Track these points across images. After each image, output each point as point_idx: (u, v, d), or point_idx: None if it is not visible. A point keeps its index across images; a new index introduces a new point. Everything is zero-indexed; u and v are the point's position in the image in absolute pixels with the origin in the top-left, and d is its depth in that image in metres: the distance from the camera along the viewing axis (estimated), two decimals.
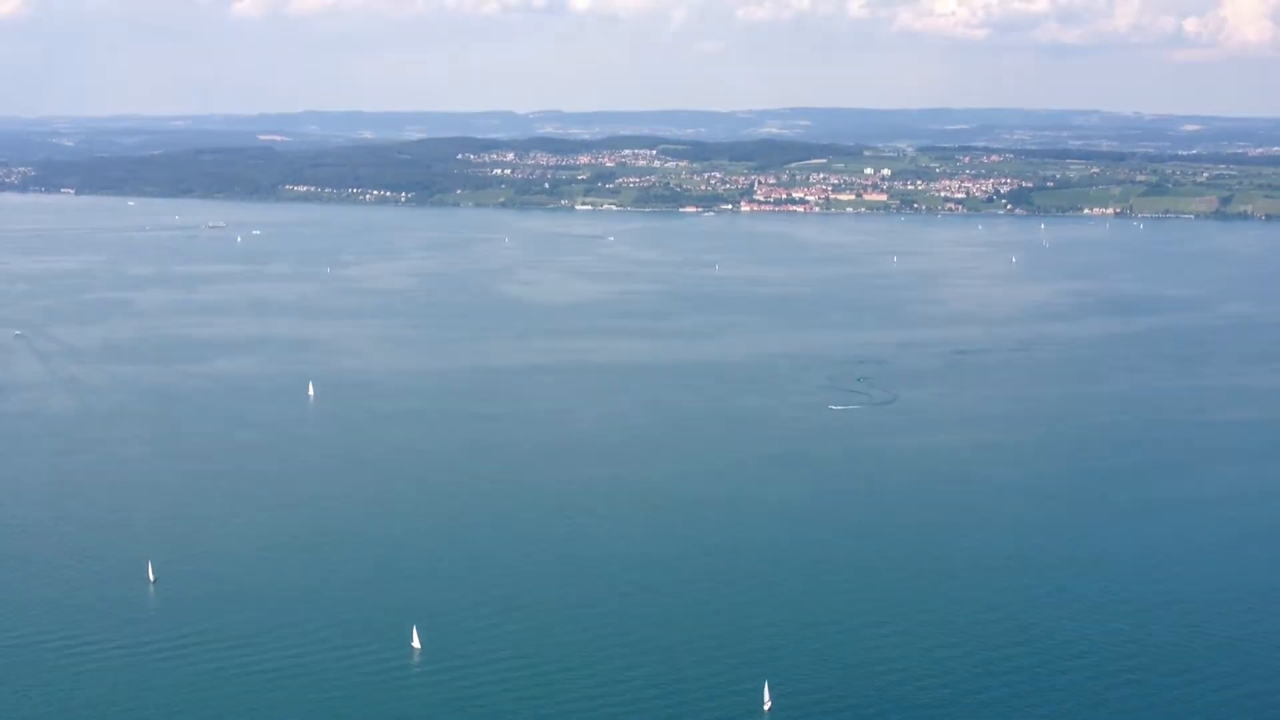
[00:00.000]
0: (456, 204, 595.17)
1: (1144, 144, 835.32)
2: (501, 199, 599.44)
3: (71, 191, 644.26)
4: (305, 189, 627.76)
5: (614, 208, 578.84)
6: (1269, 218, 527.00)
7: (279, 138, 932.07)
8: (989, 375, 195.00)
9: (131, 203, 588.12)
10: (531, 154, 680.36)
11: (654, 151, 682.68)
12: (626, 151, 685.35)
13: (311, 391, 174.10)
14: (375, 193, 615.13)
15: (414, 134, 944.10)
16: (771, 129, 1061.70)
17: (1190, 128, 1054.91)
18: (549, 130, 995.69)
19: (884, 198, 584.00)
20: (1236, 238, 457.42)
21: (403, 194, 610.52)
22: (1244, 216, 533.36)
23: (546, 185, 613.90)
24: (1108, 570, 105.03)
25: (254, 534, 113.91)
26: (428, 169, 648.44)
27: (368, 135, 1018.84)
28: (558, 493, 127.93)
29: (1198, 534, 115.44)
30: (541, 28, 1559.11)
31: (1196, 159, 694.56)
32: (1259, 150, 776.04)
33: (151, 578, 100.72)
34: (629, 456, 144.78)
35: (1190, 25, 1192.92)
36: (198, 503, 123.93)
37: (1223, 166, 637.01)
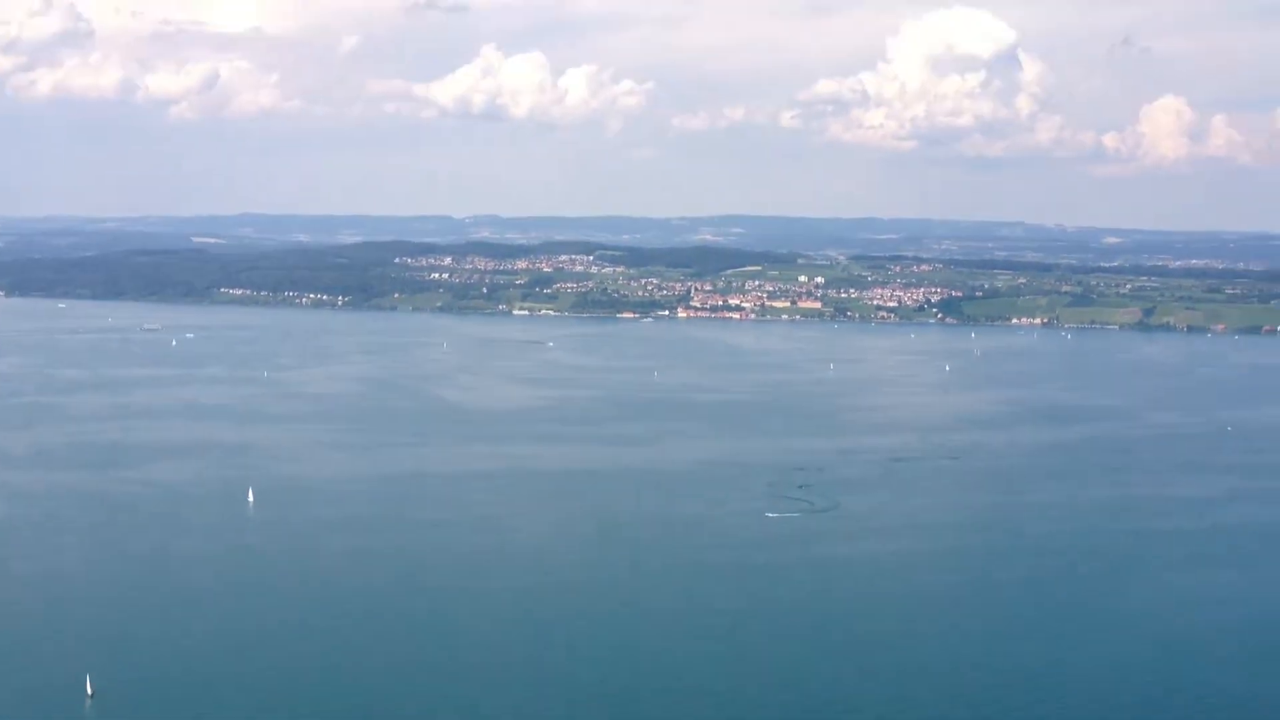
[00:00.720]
0: (394, 308, 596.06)
1: (1067, 255, 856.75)
2: (439, 303, 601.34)
3: (0, 294, 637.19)
4: (241, 292, 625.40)
5: (552, 312, 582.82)
6: (1191, 329, 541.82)
7: (213, 240, 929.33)
8: (926, 483, 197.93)
9: (62, 304, 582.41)
10: (469, 258, 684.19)
11: (591, 257, 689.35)
12: (564, 257, 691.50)
13: (251, 497, 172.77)
14: (312, 296, 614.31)
15: (349, 238, 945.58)
16: (706, 236, 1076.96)
17: (1111, 240, 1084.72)
18: (485, 235, 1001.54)
19: (818, 305, 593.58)
20: (1160, 348, 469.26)
21: (339, 297, 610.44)
22: (1167, 328, 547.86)
23: (484, 289, 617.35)
24: (1038, 683, 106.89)
25: (195, 645, 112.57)
26: (364, 272, 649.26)
27: (303, 239, 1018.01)
28: (493, 599, 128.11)
29: (1127, 646, 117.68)
30: (479, 133, 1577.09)
31: (1119, 271, 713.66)
32: (1179, 263, 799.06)
33: (90, 692, 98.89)
34: (563, 563, 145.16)
35: (1109, 141, 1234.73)
36: (137, 614, 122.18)
37: (1144, 279, 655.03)
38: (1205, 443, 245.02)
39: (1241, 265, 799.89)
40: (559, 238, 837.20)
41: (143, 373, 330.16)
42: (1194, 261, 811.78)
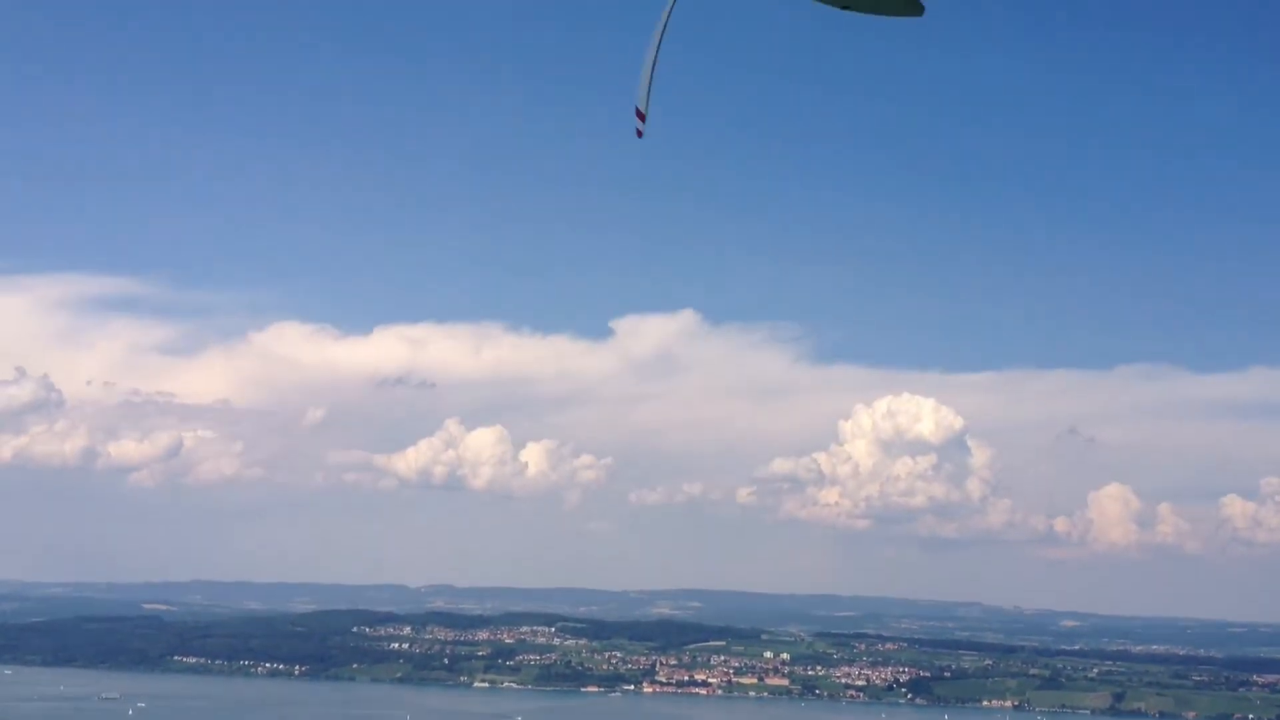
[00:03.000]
0: (352, 678, 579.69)
1: (1027, 638, 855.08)
2: (399, 674, 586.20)
3: None
4: (194, 660, 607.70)
5: (515, 686, 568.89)
6: (1163, 715, 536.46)
7: (164, 607, 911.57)
8: None
9: (9, 671, 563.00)
10: (429, 628, 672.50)
11: (553, 629, 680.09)
12: (525, 628, 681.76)
13: None
14: (268, 665, 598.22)
15: (303, 605, 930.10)
16: (664, 609, 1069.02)
17: (1069, 623, 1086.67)
18: (440, 605, 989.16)
19: (785, 682, 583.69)
20: None
21: (296, 667, 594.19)
22: (1139, 713, 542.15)
23: (446, 660, 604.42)
24: None
25: None
26: (322, 641, 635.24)
27: (254, 606, 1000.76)
28: None
29: None
30: (438, 504, 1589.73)
31: (1083, 654, 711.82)
32: (1139, 648, 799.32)
33: None
34: None
35: (1060, 525, 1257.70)
36: None
37: (1109, 663, 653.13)
38: None
39: (1202, 652, 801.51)
40: (515, 608, 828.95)
41: None
42: (1155, 647, 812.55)
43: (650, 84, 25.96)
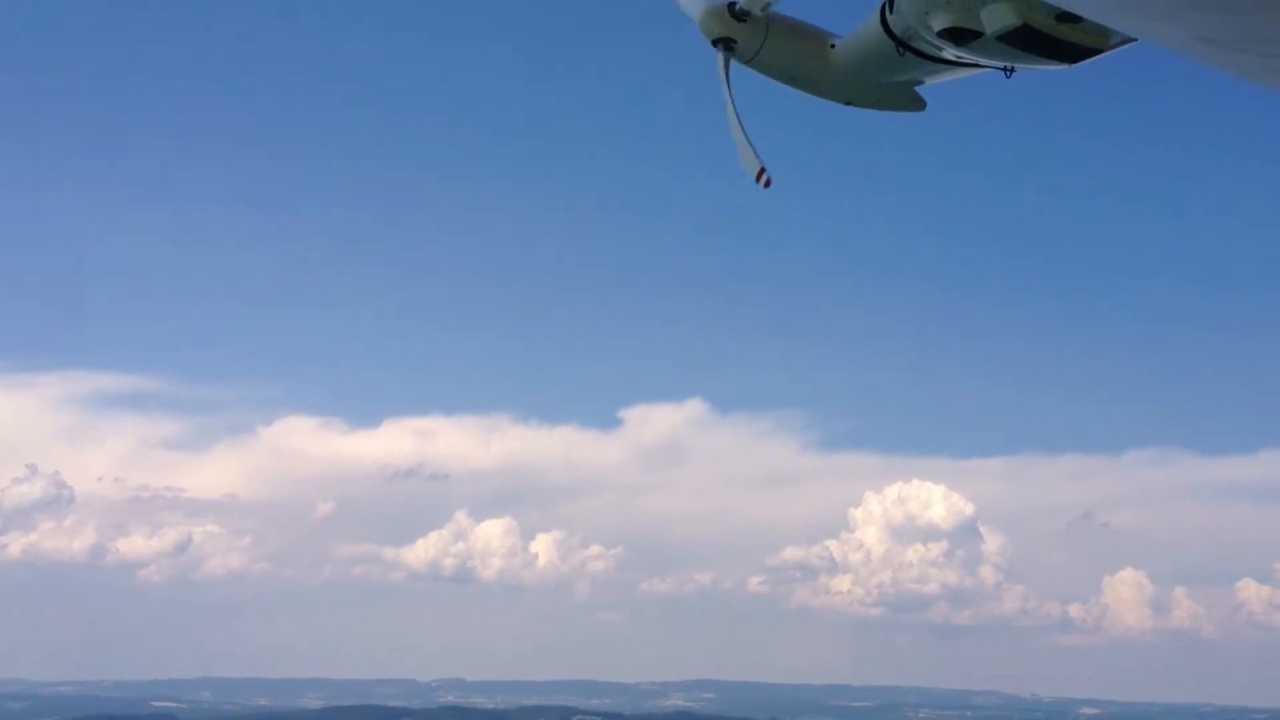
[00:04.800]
0: None
1: None
2: None
3: None
4: None
5: None
6: None
7: (173, 704, 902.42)
8: None
9: None
10: None
11: None
12: None
13: None
14: None
15: (313, 701, 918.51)
16: (677, 700, 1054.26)
17: (1088, 711, 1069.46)
18: (452, 699, 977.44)
19: None
20: None
21: None
22: None
23: None
24: None
25: None
26: None
27: (263, 702, 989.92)
28: None
29: None
30: (447, 596, 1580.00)
31: None
32: None
33: None
34: None
35: (1075, 610, 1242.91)
36: None
37: None
38: None
39: None
40: (528, 701, 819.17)
41: None
42: None
43: (748, 142, 27.52)
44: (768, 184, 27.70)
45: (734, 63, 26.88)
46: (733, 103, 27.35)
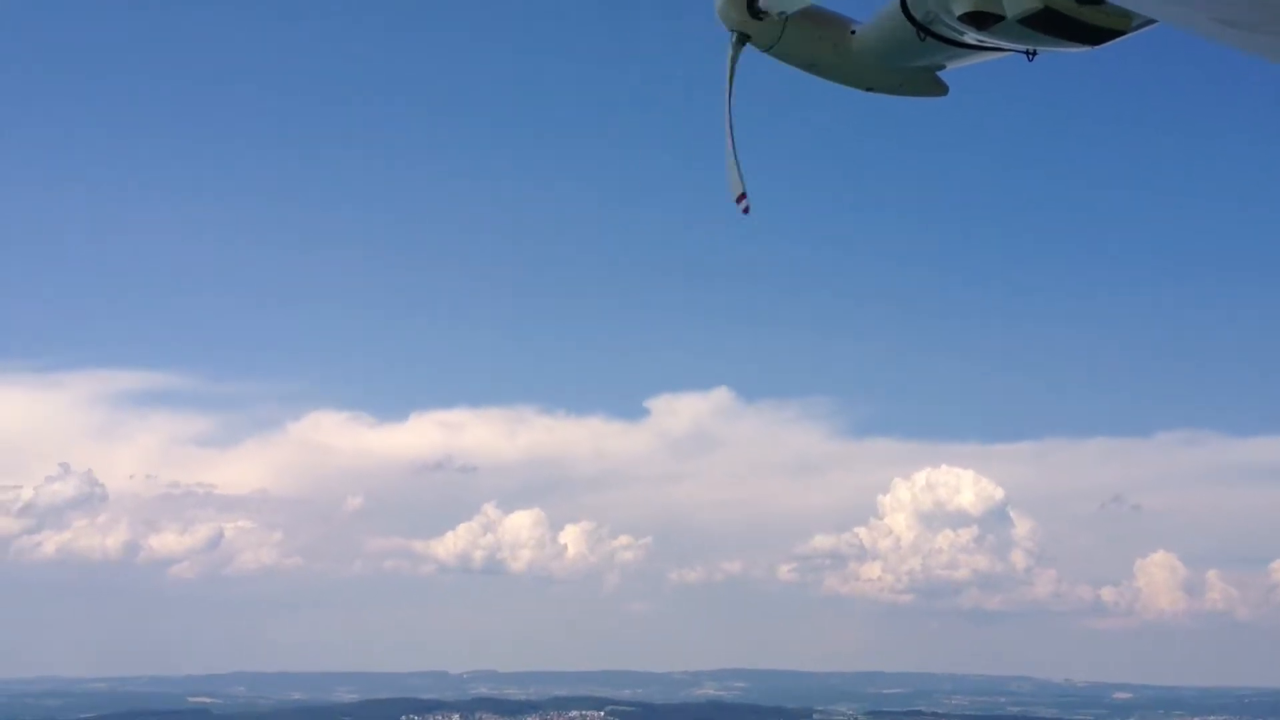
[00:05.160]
0: None
1: (1081, 711, 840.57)
2: None
3: None
4: None
5: None
6: None
7: (209, 700, 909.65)
8: None
9: None
10: (477, 714, 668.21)
11: (601, 713, 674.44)
12: (574, 712, 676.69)
13: None
14: None
15: (347, 695, 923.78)
16: (709, 690, 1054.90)
17: (1122, 695, 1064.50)
18: (484, 690, 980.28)
19: None
20: None
21: None
22: None
23: None
24: None
25: None
26: None
27: (298, 696, 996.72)
28: None
29: None
30: (478, 588, 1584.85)
31: None
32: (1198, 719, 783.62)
33: None
34: None
35: (1107, 594, 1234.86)
36: None
37: None
38: None
39: None
40: (560, 692, 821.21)
41: None
42: (1213, 718, 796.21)
43: (735, 159, 27.22)
44: (746, 210, 27.42)
45: (748, 55, 26.60)
46: (730, 108, 27.01)
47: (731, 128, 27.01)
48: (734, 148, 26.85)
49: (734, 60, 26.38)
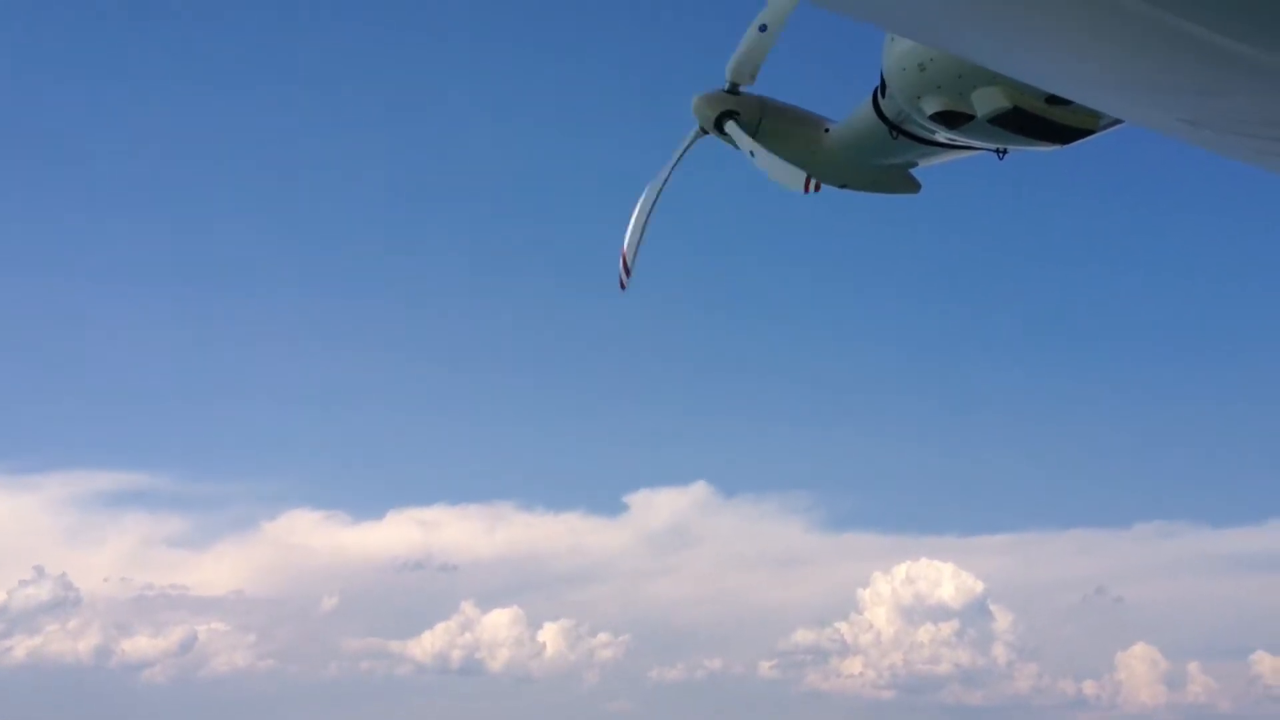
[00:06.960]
0: None
1: None
2: None
3: None
4: None
5: None
6: None
7: None
8: None
9: None
10: None
11: None
12: None
13: None
14: None
15: None
16: None
17: None
18: None
19: None
20: None
21: None
22: None
23: None
24: None
25: None
26: None
27: None
28: None
29: None
30: (455, 688, 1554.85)
31: None
32: None
33: None
34: None
35: (1089, 688, 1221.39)
36: None
37: None
38: None
39: None
40: None
41: None
42: None
43: (642, 232, 27.09)
44: (623, 285, 27.47)
45: (699, 146, 26.55)
46: (665, 185, 26.98)
47: (656, 202, 26.98)
48: (648, 221, 26.89)
49: (688, 147, 26.50)
